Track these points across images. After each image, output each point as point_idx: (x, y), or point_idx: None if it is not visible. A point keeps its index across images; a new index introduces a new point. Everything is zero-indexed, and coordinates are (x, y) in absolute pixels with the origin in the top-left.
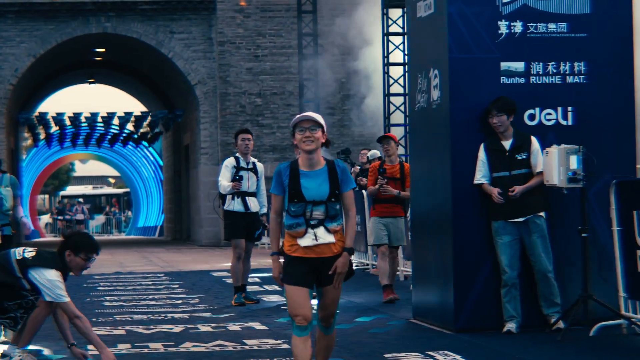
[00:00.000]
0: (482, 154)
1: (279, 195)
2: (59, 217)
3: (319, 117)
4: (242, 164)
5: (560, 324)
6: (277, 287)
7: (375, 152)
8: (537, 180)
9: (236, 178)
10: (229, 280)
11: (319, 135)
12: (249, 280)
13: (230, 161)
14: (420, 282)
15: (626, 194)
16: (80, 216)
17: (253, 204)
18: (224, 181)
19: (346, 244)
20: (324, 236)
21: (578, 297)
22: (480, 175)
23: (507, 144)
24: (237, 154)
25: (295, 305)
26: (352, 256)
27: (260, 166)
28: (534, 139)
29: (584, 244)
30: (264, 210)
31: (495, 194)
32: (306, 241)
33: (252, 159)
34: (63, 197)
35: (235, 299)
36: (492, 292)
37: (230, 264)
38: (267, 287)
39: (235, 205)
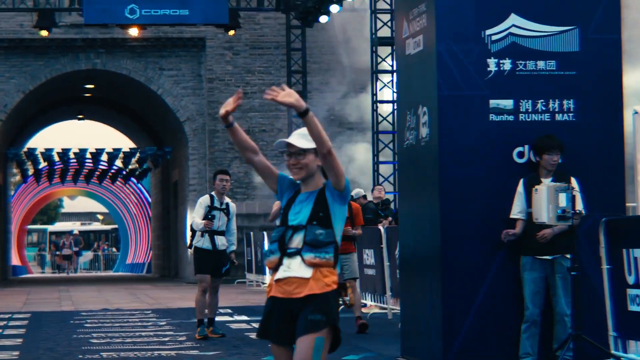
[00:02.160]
0: (521, 189)
1: (278, 176)
2: (56, 253)
3: (303, 141)
4: (216, 203)
5: None
6: None
7: (360, 191)
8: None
9: (209, 217)
10: (217, 318)
11: (307, 161)
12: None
13: (205, 199)
14: (408, 319)
15: (615, 232)
16: (67, 251)
17: (221, 242)
18: (197, 219)
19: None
20: (297, 269)
21: (567, 336)
22: (518, 210)
23: (546, 181)
24: (213, 193)
25: None
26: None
27: (232, 207)
28: (573, 180)
29: (574, 282)
30: (233, 248)
31: (503, 235)
32: (278, 273)
33: (227, 200)
34: (51, 233)
35: (198, 332)
36: (481, 329)
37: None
38: (254, 324)
39: (203, 242)
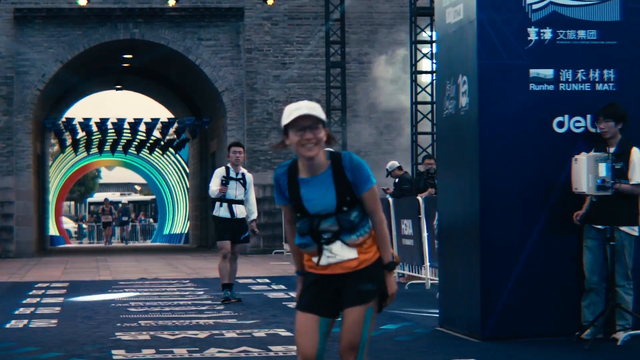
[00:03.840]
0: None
1: (285, 204)
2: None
3: (320, 111)
4: (232, 174)
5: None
6: None
7: (394, 163)
8: (633, 190)
9: (223, 182)
10: (255, 287)
11: (322, 135)
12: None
13: (220, 171)
14: (446, 290)
15: None
16: (108, 218)
17: (239, 210)
18: (213, 186)
19: (384, 258)
20: (341, 252)
21: (606, 306)
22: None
23: (611, 151)
24: (228, 165)
25: (298, 338)
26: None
27: (249, 177)
28: (635, 150)
29: (612, 253)
30: (253, 216)
31: (575, 215)
32: (321, 260)
33: (242, 170)
34: (90, 203)
35: (222, 296)
36: (519, 300)
37: (218, 264)
38: (292, 293)
39: (221, 211)
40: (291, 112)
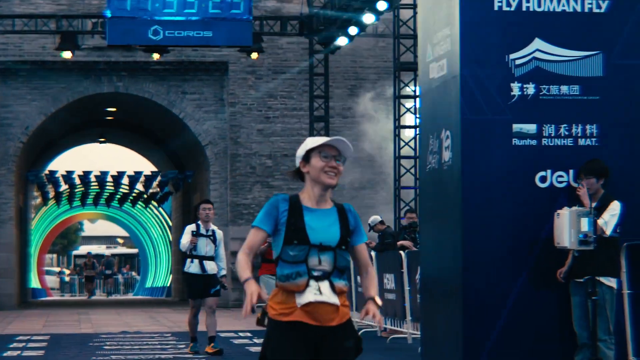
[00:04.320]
0: None
1: (262, 230)
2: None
3: (350, 147)
4: (202, 230)
5: None
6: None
7: (377, 218)
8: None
9: (193, 234)
10: (237, 341)
11: (342, 169)
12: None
13: (190, 227)
14: (428, 344)
15: (637, 256)
16: (91, 272)
17: (210, 267)
18: (184, 241)
19: (371, 293)
20: (328, 295)
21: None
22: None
23: (593, 205)
24: (199, 222)
25: None
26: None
27: (219, 233)
28: (614, 203)
29: (594, 307)
30: (223, 272)
31: (558, 272)
32: (307, 297)
33: (212, 227)
34: (75, 256)
35: (190, 347)
36: (502, 355)
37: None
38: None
39: (192, 267)
40: (318, 139)
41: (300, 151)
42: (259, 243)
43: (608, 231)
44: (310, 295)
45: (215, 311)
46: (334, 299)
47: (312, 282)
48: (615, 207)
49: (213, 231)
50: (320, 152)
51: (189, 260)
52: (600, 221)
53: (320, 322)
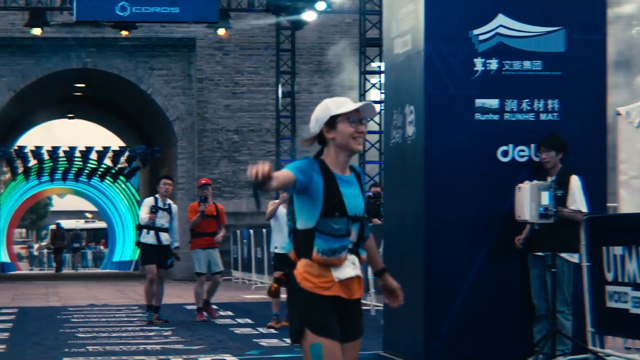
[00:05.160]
0: None
1: (295, 177)
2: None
3: (375, 108)
4: (160, 204)
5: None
6: (249, 320)
7: None
8: (572, 217)
9: (152, 211)
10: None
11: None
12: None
13: (149, 200)
14: (390, 315)
15: (596, 230)
16: (60, 244)
17: (164, 238)
18: (143, 214)
19: (382, 264)
20: (359, 267)
21: (547, 332)
22: None
23: (551, 179)
24: (157, 195)
25: None
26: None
27: (174, 207)
28: (574, 178)
29: (553, 279)
30: (176, 244)
31: (517, 239)
32: (346, 271)
33: (169, 201)
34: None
35: (147, 318)
36: (463, 326)
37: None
38: (239, 320)
39: (148, 238)
40: (340, 103)
41: (322, 115)
42: (288, 182)
43: (584, 209)
44: (349, 270)
45: (164, 282)
46: (360, 271)
47: (349, 256)
48: (577, 183)
49: (169, 205)
50: (349, 118)
51: (144, 231)
52: (574, 206)
53: (350, 296)
